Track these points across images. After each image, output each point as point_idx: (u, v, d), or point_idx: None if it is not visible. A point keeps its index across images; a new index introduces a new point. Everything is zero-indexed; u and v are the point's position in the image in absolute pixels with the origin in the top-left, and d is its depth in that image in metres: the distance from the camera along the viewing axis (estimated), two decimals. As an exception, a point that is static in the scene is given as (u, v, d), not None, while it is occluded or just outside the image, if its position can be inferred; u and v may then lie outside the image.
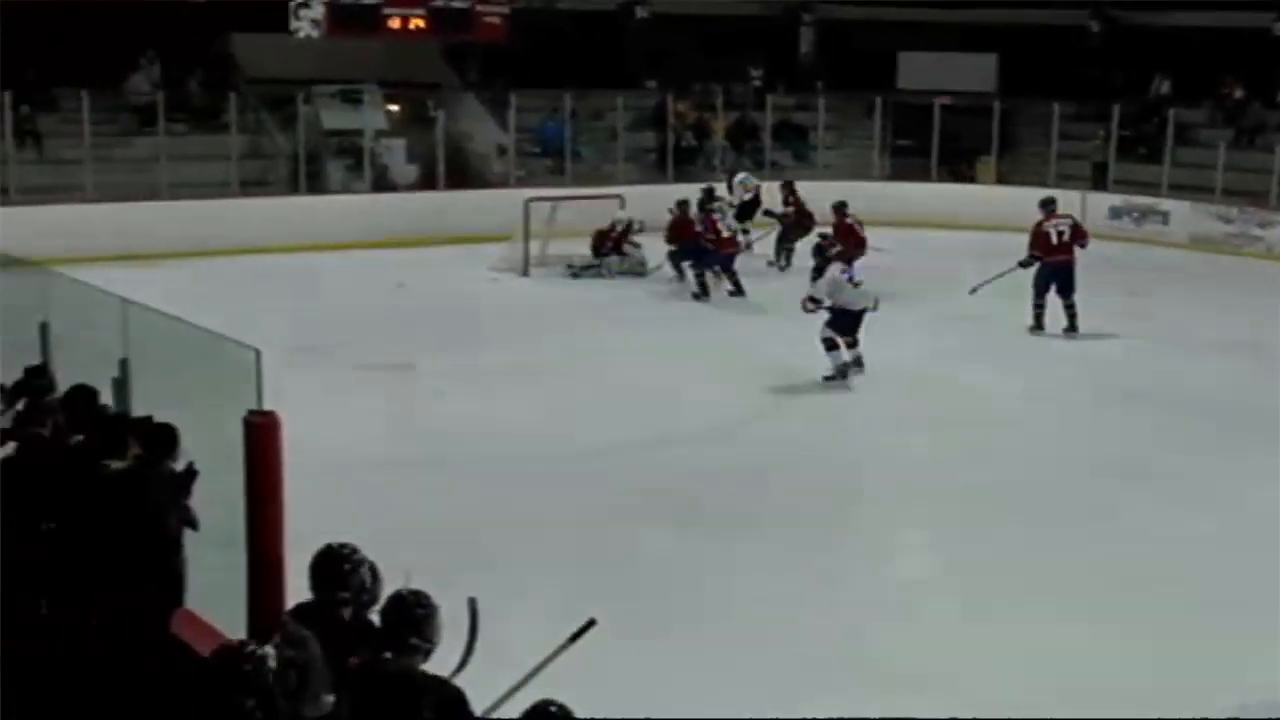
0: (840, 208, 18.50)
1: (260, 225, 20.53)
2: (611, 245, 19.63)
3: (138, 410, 7.56)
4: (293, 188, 22.04)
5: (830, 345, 13.85)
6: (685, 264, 18.53)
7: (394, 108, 24.17)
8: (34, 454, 7.01)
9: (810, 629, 8.19)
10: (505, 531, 9.65)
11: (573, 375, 14.12)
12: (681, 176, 23.14)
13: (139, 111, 21.84)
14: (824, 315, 13.90)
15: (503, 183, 23.15)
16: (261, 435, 6.29)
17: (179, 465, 6.81)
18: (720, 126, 25.64)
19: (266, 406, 6.34)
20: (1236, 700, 6.94)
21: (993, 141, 25.31)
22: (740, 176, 21.33)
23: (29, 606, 5.72)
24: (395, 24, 21.77)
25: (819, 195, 20.35)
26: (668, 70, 26.15)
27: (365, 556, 5.25)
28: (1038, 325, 16.36)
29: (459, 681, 4.89)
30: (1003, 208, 21.89)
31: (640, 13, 26.47)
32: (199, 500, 6.86)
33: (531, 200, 19.79)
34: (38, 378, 7.81)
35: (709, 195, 19.34)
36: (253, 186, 21.87)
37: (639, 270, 19.44)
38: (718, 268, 18.25)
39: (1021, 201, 23.09)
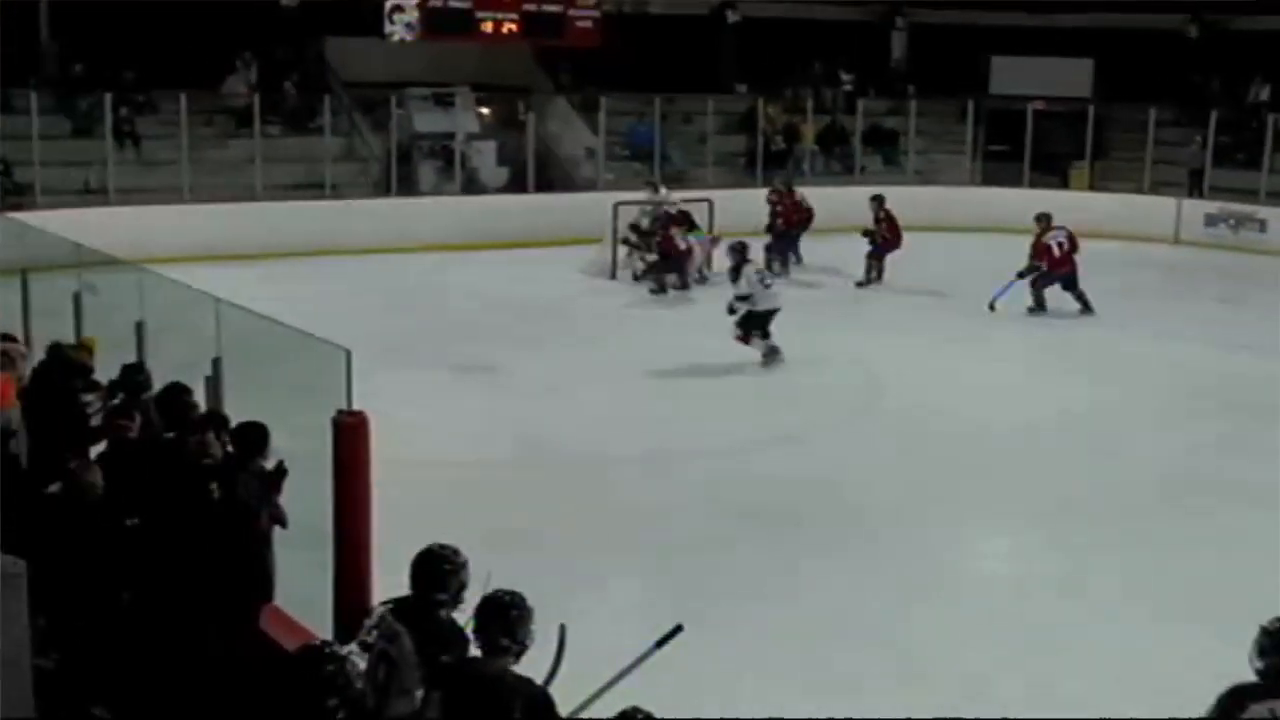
0: (879, 200, 19.01)
1: (352, 226, 20.73)
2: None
3: (230, 408, 7.67)
4: (384, 189, 22.25)
5: (745, 341, 14.49)
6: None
7: (485, 110, 24.30)
8: (123, 450, 7.14)
9: (894, 636, 8.14)
10: (590, 533, 9.68)
11: (656, 378, 14.13)
12: (770, 181, 23.05)
13: (235, 114, 22.14)
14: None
15: (591, 186, 23.21)
16: (350, 435, 6.36)
17: (269, 463, 6.91)
18: (810, 131, 25.55)
19: (356, 406, 6.41)
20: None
21: (1086, 147, 25.02)
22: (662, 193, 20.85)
23: (112, 598, 5.81)
24: (488, 27, 21.91)
25: (909, 200, 20.27)
26: (758, 74, 26.08)
27: (466, 559, 5.32)
28: (1039, 306, 17.10)
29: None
30: (1096, 214, 21.64)
31: (732, 16, 26.43)
32: (288, 498, 6.96)
33: (620, 204, 19.84)
34: (134, 375, 7.95)
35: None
36: (345, 188, 22.09)
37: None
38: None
39: (1115, 208, 23.03)
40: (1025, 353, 15.52)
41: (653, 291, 18.50)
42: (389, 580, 6.15)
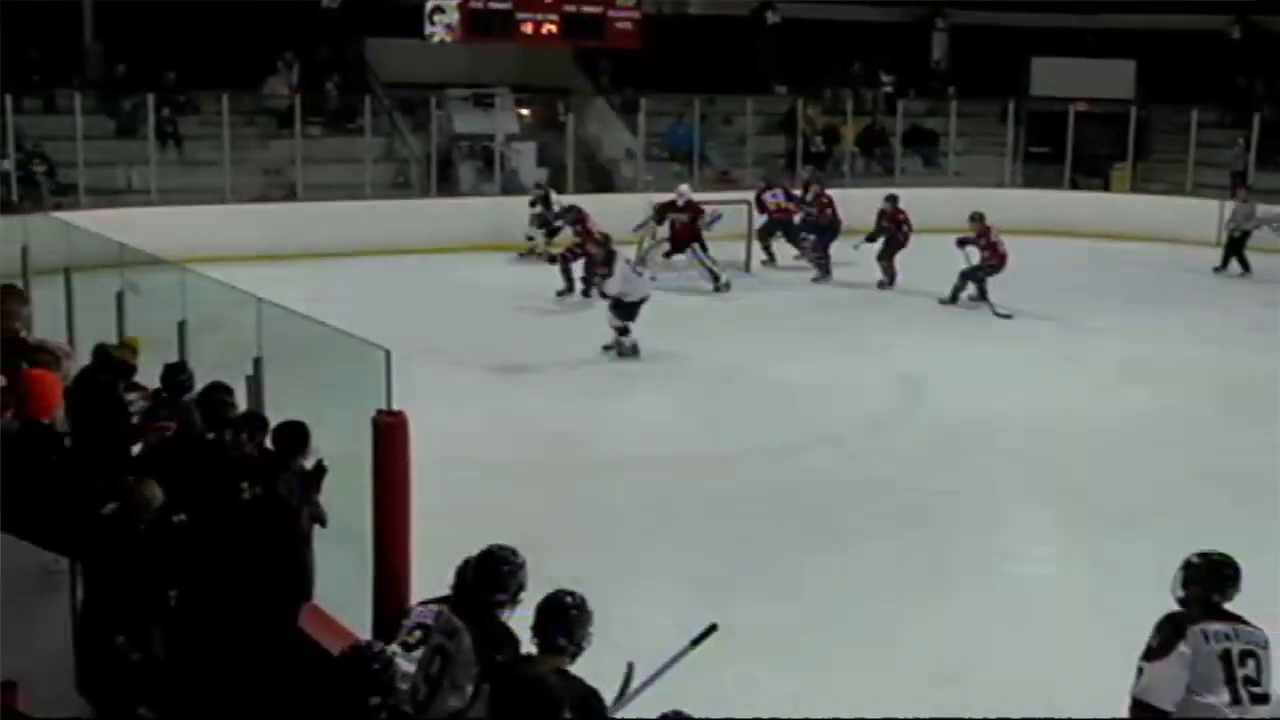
0: (892, 200, 19.27)
1: (392, 226, 20.81)
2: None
3: (270, 407, 7.71)
4: (424, 190, 22.32)
5: (624, 331, 14.72)
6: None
7: (525, 112, 24.37)
8: (164, 449, 7.19)
9: (933, 639, 8.12)
10: (629, 533, 9.70)
11: (696, 378, 14.15)
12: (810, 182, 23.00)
13: (276, 114, 22.27)
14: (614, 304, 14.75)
15: (631, 187, 23.23)
16: (390, 434, 6.37)
17: (309, 462, 6.95)
18: (850, 132, 25.50)
19: (395, 406, 6.43)
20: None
21: (1128, 149, 24.86)
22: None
23: (159, 598, 5.85)
24: (528, 29, 21.93)
25: (948, 202, 20.21)
26: (798, 75, 26.05)
27: (524, 560, 5.39)
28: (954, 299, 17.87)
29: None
30: (1138, 216, 21.53)
31: (771, 17, 26.42)
32: (327, 497, 6.99)
33: (657, 204, 19.83)
34: (177, 374, 8.00)
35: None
36: (385, 188, 22.18)
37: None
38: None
39: (1157, 210, 22.88)
40: (1061, 355, 15.40)
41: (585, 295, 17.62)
42: (425, 580, 6.18)
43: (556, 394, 13.57)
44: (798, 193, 20.97)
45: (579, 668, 4.92)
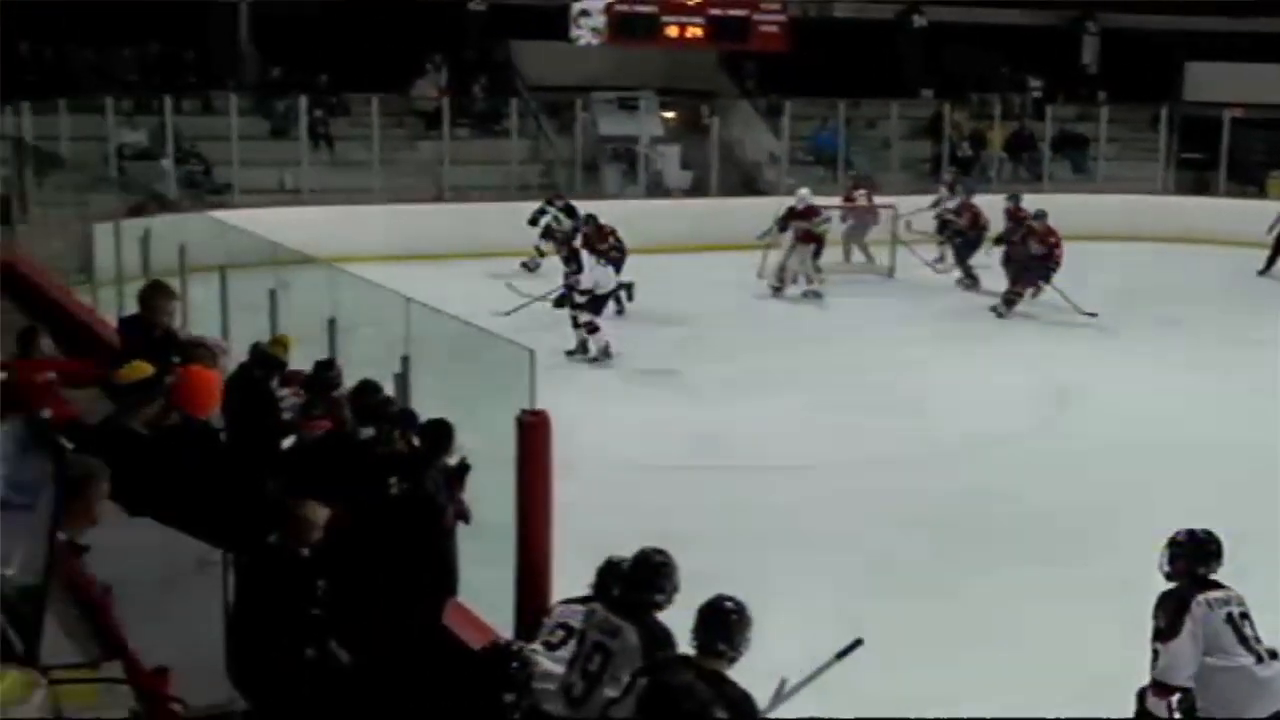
0: (1014, 199, 19.12)
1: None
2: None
3: (417, 405, 7.83)
4: (569, 192, 22.45)
5: (593, 328, 14.70)
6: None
7: (669, 114, 24.41)
8: (316, 444, 7.33)
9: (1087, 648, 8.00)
10: (768, 538, 9.68)
11: (833, 385, 14.02)
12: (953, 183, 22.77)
13: (425, 116, 22.59)
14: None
15: (774, 191, 23.15)
16: (533, 434, 6.44)
17: (453, 460, 7.05)
18: (998, 137, 25.18)
19: (539, 406, 6.50)
20: None
21: (1286, 156, 24.29)
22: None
23: (308, 593, 5.97)
24: (673, 32, 21.98)
25: (1098, 208, 19.91)
26: (944, 79, 25.82)
27: (677, 564, 5.48)
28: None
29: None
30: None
31: (917, 21, 26.21)
32: (471, 495, 7.09)
33: (790, 209, 19.71)
34: (326, 371, 8.16)
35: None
36: (531, 190, 22.36)
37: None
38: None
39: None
40: (1197, 366, 14.98)
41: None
42: (568, 578, 6.25)
43: (696, 399, 13.56)
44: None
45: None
